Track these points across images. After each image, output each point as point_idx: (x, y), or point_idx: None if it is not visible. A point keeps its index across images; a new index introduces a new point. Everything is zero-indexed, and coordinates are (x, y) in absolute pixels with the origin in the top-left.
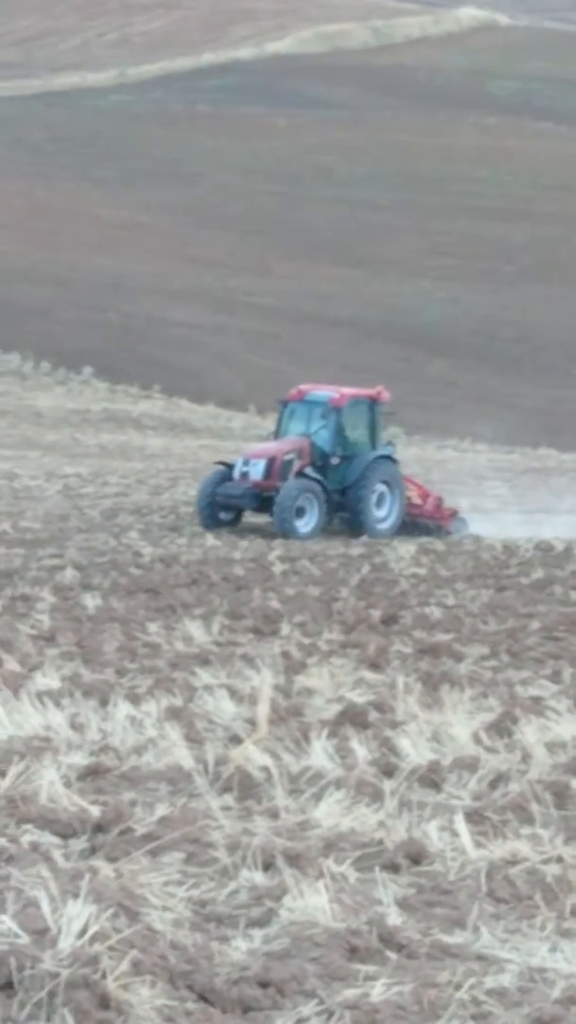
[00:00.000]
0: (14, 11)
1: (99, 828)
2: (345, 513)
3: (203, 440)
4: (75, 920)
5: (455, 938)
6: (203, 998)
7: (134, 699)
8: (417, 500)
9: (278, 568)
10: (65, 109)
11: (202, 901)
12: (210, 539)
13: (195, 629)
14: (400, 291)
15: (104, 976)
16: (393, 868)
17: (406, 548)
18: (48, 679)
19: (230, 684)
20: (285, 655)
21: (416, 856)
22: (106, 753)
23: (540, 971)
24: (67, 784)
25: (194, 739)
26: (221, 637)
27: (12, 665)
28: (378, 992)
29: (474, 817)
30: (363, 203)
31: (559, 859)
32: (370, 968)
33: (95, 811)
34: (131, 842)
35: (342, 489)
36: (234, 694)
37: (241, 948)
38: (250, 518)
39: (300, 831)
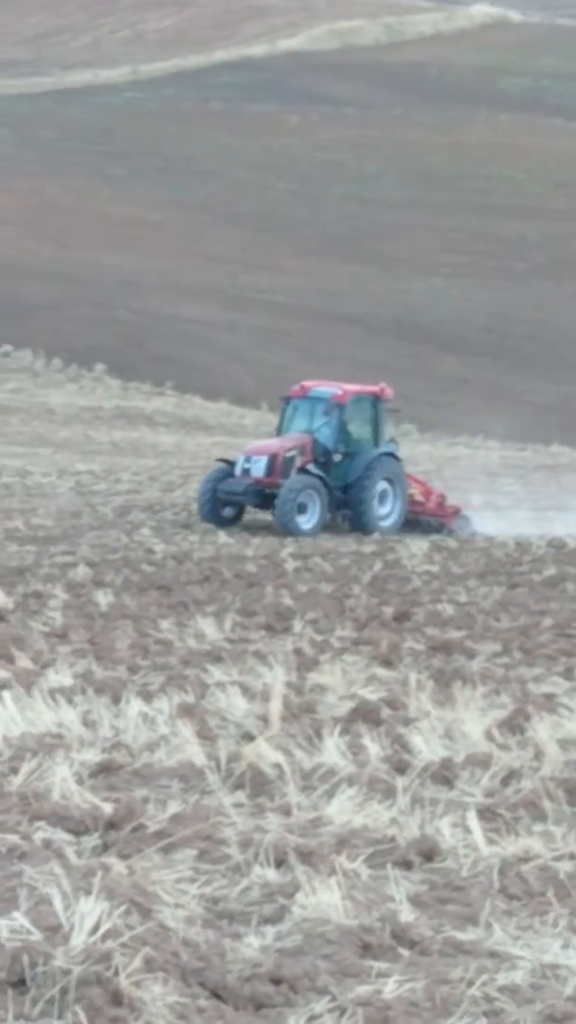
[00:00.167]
0: (22, 9)
1: (111, 825)
2: (347, 510)
3: (215, 437)
4: (87, 917)
5: (467, 935)
6: (215, 995)
7: (146, 696)
8: (420, 497)
9: (290, 565)
10: (77, 106)
11: (214, 898)
12: (222, 536)
13: (207, 626)
14: (412, 288)
15: (116, 973)
16: (405, 865)
17: (418, 545)
18: (60, 676)
19: (242, 681)
20: (297, 652)
21: (428, 853)
22: (118, 750)
23: (552, 968)
24: (79, 781)
25: (206, 736)
26: (233, 634)
27: (24, 662)
28: (390, 989)
29: (486, 814)
30: (375, 200)
31: (572, 856)
32: (382, 965)
33: (107, 808)
34: (143, 839)
35: (344, 486)
36: (246, 691)
37: (253, 945)
38: (259, 515)
39: (312, 828)
